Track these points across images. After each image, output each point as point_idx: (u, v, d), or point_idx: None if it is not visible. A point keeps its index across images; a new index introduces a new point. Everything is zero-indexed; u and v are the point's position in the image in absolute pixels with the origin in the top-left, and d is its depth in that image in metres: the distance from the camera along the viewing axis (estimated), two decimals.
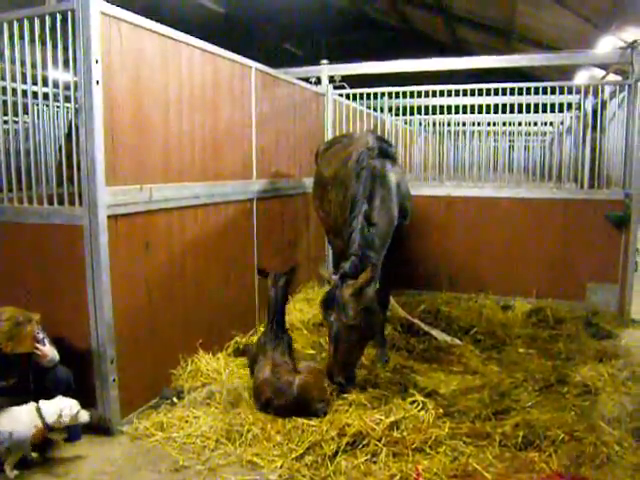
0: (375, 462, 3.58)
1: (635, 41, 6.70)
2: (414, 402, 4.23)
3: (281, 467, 3.54)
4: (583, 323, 6.34)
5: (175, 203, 4.61)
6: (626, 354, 5.50)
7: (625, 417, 4.15)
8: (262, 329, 5.84)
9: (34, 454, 3.63)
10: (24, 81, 4.10)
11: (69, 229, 3.95)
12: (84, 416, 3.66)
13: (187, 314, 4.84)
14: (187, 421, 4.08)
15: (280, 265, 5.09)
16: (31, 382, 3.78)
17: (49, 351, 3.75)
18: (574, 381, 4.77)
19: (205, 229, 5.07)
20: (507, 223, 7.27)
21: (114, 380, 4.00)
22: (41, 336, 3.74)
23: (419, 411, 4.10)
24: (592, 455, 3.64)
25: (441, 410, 4.18)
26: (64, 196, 4.01)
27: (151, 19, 4.32)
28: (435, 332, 5.97)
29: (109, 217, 3.90)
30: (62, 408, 3.58)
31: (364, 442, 3.74)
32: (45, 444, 3.74)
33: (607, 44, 12.37)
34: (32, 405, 3.55)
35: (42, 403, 3.58)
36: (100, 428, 3.96)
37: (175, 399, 4.41)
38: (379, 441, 3.73)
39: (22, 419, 3.49)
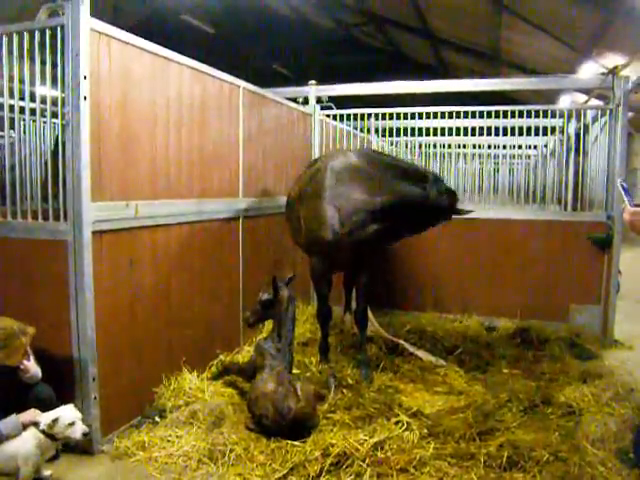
0: None
1: (616, 67, 6.87)
2: (398, 422, 4.20)
3: None
4: (567, 344, 6.36)
5: (161, 220, 4.60)
6: (609, 374, 5.51)
7: (609, 437, 4.14)
8: (248, 348, 5.81)
9: (47, 472, 3.57)
10: (11, 96, 4.09)
11: (53, 244, 3.91)
12: (81, 428, 3.50)
13: (171, 332, 4.79)
14: (169, 440, 4.01)
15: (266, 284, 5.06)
16: (13, 398, 3.69)
17: (32, 367, 3.68)
18: (558, 401, 4.77)
19: (191, 247, 5.04)
20: (491, 244, 7.32)
21: (95, 398, 3.93)
22: (28, 351, 3.67)
23: (403, 431, 4.07)
24: (576, 476, 3.62)
25: (426, 430, 4.15)
26: (49, 212, 3.97)
27: (141, 37, 4.34)
28: (420, 352, 5.96)
29: (94, 233, 3.87)
30: (59, 416, 3.46)
31: (348, 462, 3.69)
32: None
33: (589, 69, 12.70)
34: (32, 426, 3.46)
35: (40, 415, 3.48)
36: (80, 447, 3.86)
37: (157, 418, 4.35)
38: (363, 461, 3.68)
39: (23, 436, 3.41)
